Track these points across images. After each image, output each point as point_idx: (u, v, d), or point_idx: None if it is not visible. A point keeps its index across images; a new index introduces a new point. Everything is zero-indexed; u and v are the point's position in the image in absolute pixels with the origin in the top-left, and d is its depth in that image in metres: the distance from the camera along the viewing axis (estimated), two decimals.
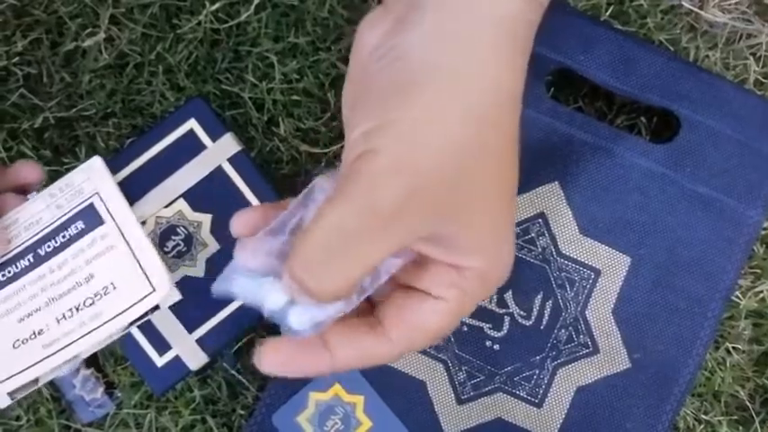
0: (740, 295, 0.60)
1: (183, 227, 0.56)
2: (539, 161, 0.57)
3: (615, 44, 0.57)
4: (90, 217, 0.42)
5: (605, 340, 0.56)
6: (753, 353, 0.61)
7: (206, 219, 0.55)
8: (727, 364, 0.60)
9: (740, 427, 0.61)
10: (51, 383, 0.61)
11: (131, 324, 0.40)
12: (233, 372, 0.61)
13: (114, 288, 0.41)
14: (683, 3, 0.62)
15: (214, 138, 0.56)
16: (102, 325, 0.41)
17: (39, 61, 0.63)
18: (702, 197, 0.56)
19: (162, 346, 0.55)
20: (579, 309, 0.56)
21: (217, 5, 0.62)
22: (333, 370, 0.38)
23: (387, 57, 0.36)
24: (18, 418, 0.62)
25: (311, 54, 0.62)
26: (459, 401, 0.57)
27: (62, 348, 0.40)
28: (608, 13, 0.61)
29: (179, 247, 0.56)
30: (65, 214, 0.42)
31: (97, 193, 0.43)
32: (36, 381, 0.39)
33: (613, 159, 0.57)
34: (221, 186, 0.56)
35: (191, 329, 0.55)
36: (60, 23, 0.63)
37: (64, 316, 0.41)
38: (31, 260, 0.42)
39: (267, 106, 0.62)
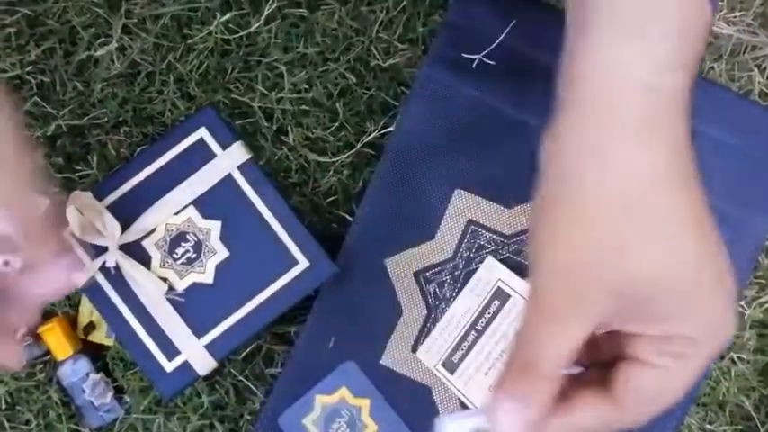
0: (745, 305, 0.60)
1: (193, 233, 0.56)
2: None
3: None
4: (501, 296, 0.57)
5: None
6: (757, 363, 0.61)
7: (215, 226, 0.56)
8: (732, 374, 0.60)
9: None
10: (62, 389, 0.62)
11: None
12: (241, 377, 0.62)
13: None
14: None
15: (224, 146, 0.57)
16: None
17: (52, 70, 0.64)
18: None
19: (171, 351, 0.56)
20: None
21: (228, 16, 0.63)
22: (572, 428, 0.39)
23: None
24: (28, 423, 0.62)
25: (320, 64, 0.63)
26: (464, 407, 0.57)
27: None
28: None
29: (188, 254, 0.56)
30: (484, 299, 0.57)
31: (499, 278, 0.57)
32: None
33: None
34: (231, 194, 0.56)
35: (199, 335, 0.56)
36: (73, 33, 0.64)
37: None
38: (475, 335, 0.56)
39: (276, 115, 0.63)
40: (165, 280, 0.56)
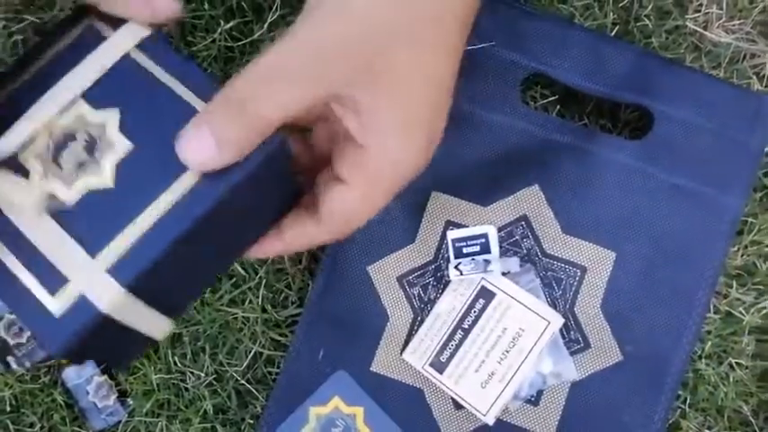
0: (743, 311, 0.60)
1: (85, 132, 0.42)
2: (517, 166, 0.58)
3: (586, 45, 0.58)
4: (485, 294, 0.58)
5: (596, 335, 0.57)
6: (756, 368, 0.61)
7: (112, 116, 0.42)
8: (731, 380, 0.61)
9: None
10: (66, 391, 0.63)
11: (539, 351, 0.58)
12: (243, 381, 0.62)
13: (523, 331, 0.57)
14: (688, 23, 0.63)
15: (115, 27, 0.44)
16: (526, 357, 0.57)
17: None
18: (681, 188, 0.57)
19: (55, 281, 0.39)
20: (568, 306, 0.57)
21: (231, 24, 0.63)
22: (286, 251, 0.47)
23: None
24: (32, 425, 0.63)
25: None
26: (458, 406, 0.57)
27: (511, 379, 0.57)
28: (613, 33, 0.62)
29: (78, 157, 0.42)
30: (468, 298, 0.58)
31: (482, 277, 0.58)
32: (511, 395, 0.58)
33: (591, 158, 0.58)
34: (131, 75, 0.43)
35: (94, 253, 0.40)
36: None
37: (501, 359, 0.57)
38: (461, 334, 0.58)
39: None
40: (52, 198, 0.41)
